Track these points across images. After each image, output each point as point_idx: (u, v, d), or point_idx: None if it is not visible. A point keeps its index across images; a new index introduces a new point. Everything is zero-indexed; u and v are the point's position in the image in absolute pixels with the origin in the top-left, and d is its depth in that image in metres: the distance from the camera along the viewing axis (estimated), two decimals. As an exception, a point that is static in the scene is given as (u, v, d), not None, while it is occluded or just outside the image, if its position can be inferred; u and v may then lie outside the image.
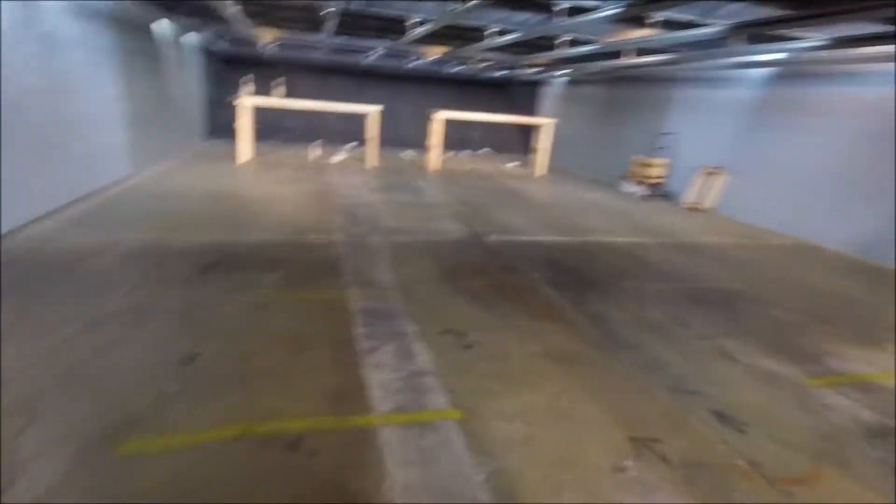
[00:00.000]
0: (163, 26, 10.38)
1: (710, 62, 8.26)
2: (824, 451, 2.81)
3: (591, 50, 8.05)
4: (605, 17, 5.14)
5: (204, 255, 5.15)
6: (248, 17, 8.50)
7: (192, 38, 12.69)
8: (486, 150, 18.19)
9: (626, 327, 4.25)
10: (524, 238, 6.88)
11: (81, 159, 6.95)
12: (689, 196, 10.35)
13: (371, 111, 12.23)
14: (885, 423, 3.13)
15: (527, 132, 18.60)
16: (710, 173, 10.07)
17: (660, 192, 11.21)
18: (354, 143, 16.07)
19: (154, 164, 9.83)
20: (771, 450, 2.77)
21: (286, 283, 4.61)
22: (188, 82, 12.95)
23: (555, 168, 14.59)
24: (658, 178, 11.25)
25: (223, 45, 13.67)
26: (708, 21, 5.76)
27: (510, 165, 15.35)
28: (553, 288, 5.05)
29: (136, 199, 7.21)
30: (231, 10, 7.09)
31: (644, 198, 11.06)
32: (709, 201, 10.02)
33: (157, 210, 6.71)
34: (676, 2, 4.32)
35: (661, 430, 2.86)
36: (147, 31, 9.70)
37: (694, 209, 10.12)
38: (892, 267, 6.84)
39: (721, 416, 3.04)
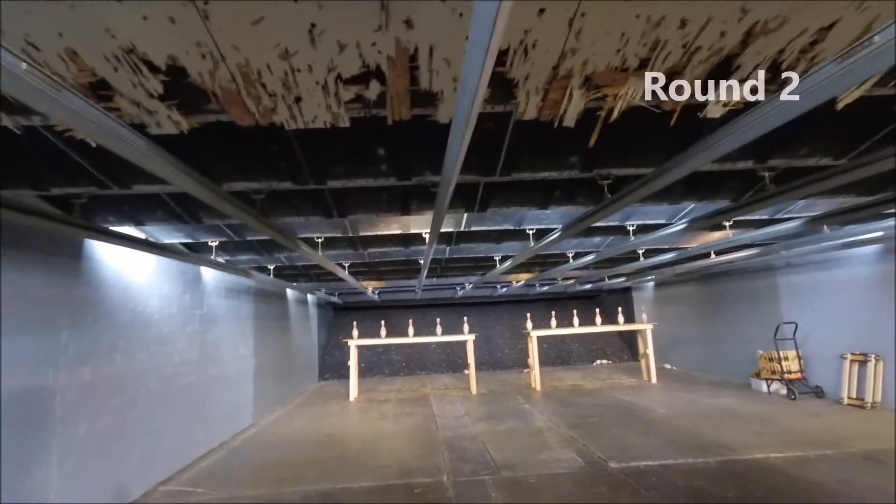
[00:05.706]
0: (290, 292, 12.47)
1: (805, 248, 7.98)
2: None
3: (671, 258, 8.26)
4: (674, 231, 5.43)
5: (310, 509, 5.02)
6: (355, 275, 10.03)
7: (311, 296, 14.97)
8: (594, 362, 17.53)
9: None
10: (651, 463, 5.98)
11: (215, 416, 7.70)
12: (847, 390, 8.79)
13: (468, 339, 12.74)
14: None
15: (625, 338, 17.99)
16: (858, 360, 8.71)
17: (805, 389, 9.66)
18: (455, 372, 16.41)
19: (273, 411, 10.54)
20: None
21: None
22: (306, 332, 14.74)
23: (664, 372, 13.46)
24: (798, 372, 9.86)
25: (334, 299, 15.86)
26: (782, 217, 5.80)
27: (615, 375, 14.45)
28: (703, 530, 4.12)
29: (254, 450, 7.55)
30: (343, 274, 8.46)
31: (787, 397, 9.54)
32: (871, 395, 8.39)
33: (271, 460, 6.91)
34: (735, 211, 4.45)
35: None
36: (278, 296, 11.67)
37: (857, 406, 8.46)
38: None
39: None
